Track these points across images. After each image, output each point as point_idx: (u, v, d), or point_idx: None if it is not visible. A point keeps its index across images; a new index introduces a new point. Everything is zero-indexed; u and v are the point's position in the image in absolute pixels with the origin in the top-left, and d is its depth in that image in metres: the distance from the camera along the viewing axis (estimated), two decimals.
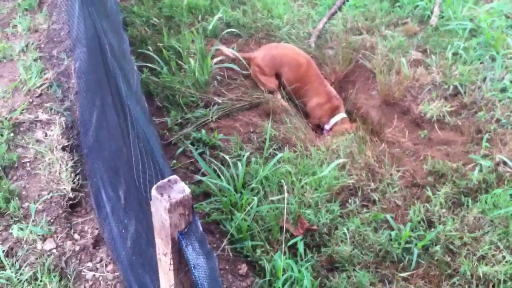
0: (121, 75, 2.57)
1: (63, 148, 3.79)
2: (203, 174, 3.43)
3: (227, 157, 3.40)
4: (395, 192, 3.33)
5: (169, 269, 1.47)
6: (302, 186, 3.23)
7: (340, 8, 5.32)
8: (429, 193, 3.28)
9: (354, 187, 3.35)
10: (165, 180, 1.40)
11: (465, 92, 4.10)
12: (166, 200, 1.36)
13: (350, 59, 4.59)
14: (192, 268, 1.35)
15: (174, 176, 1.41)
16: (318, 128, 4.36)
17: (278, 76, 4.40)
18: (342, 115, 4.25)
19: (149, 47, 4.47)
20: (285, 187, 3.00)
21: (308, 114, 4.34)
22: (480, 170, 3.42)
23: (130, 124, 2.28)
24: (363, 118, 4.20)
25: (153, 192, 1.38)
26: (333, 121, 4.23)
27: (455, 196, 3.29)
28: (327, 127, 4.25)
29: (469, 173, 3.42)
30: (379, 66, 4.34)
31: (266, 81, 4.33)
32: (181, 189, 1.38)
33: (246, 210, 3.05)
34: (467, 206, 3.22)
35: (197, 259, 1.37)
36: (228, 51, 4.53)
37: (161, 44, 4.39)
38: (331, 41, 4.85)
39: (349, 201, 3.26)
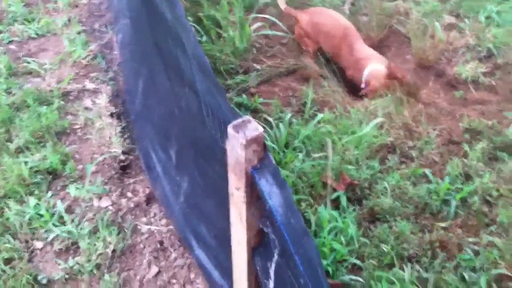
0: (176, 39, 2.73)
1: (111, 115, 3.99)
2: None
3: (270, 118, 3.56)
4: (432, 149, 3.45)
5: (243, 202, 1.63)
6: (343, 145, 3.37)
7: None
8: (467, 148, 3.39)
9: (392, 145, 3.48)
10: (240, 119, 1.55)
11: (499, 54, 4.19)
12: (242, 137, 1.50)
13: (384, 25, 4.68)
14: (267, 197, 1.51)
15: (248, 117, 1.56)
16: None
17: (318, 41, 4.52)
18: (371, 66, 4.18)
19: (189, 18, 4.61)
20: (329, 143, 3.14)
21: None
22: None
23: (190, 83, 2.44)
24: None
25: (230, 130, 1.53)
26: (365, 73, 4.18)
27: (491, 151, 3.40)
28: (363, 85, 4.22)
29: (504, 130, 3.53)
30: (413, 31, 4.43)
31: (308, 43, 4.47)
32: (255, 128, 1.53)
33: (290, 168, 3.21)
34: (503, 160, 3.34)
35: (271, 189, 1.52)
36: (282, 2, 4.66)
37: (201, 14, 4.53)
38: (365, 7, 4.94)
39: (388, 158, 3.40)
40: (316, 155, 3.28)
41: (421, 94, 3.92)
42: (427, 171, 3.27)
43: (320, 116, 3.56)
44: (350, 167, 3.23)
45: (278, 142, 3.43)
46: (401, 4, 4.86)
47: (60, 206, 3.25)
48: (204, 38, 4.38)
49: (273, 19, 4.60)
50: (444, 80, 4.14)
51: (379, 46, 4.63)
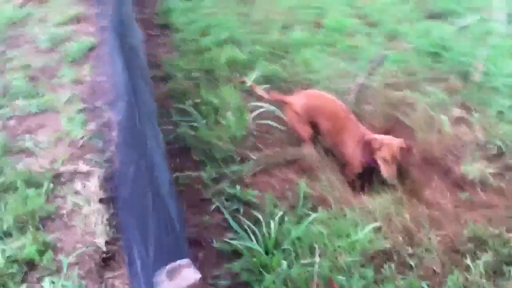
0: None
1: (100, 200, 3.83)
2: (237, 232, 3.40)
3: (260, 216, 3.36)
4: (433, 257, 3.20)
5: None
6: (335, 249, 3.15)
7: (380, 64, 5.29)
8: (469, 262, 3.14)
9: (390, 251, 3.24)
10: (176, 263, 1.37)
11: (509, 153, 3.97)
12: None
13: (389, 116, 4.53)
14: None
15: (186, 260, 1.38)
16: (360, 179, 4.22)
17: (314, 125, 4.36)
18: (381, 136, 4.06)
19: (190, 101, 4.53)
20: (317, 251, 2.93)
21: (348, 164, 4.22)
22: None
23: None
24: (402, 177, 4.11)
25: (161, 277, 1.35)
26: (377, 137, 4.01)
27: (496, 264, 3.14)
28: (375, 145, 3.95)
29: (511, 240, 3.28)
30: (419, 124, 4.27)
31: (301, 129, 4.32)
32: (191, 276, 1.34)
33: (276, 273, 2.99)
34: (509, 275, 3.07)
35: None
36: (261, 91, 4.55)
37: (198, 100, 4.44)
38: (371, 96, 4.81)
39: (384, 266, 3.15)
40: (304, 261, 3.05)
41: (425, 194, 3.71)
42: (424, 283, 3.01)
43: (313, 216, 3.35)
44: (340, 276, 2.99)
45: (266, 242, 3.22)
46: (408, 94, 4.72)
47: None
48: (202, 124, 4.26)
49: (272, 107, 4.48)
50: (450, 178, 3.92)
51: None
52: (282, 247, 3.18)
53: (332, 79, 5.07)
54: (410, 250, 3.25)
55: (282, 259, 3.10)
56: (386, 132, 4.44)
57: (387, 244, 3.24)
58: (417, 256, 3.23)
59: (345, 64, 5.42)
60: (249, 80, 4.77)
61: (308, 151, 4.15)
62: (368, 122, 4.53)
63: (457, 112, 4.44)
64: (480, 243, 3.31)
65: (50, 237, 3.50)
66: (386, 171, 3.85)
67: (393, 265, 3.16)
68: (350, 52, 5.73)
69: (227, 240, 3.28)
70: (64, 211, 3.76)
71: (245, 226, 3.31)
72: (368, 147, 3.93)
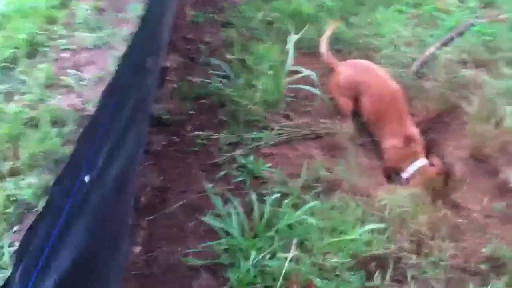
0: None
1: None
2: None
3: (253, 195, 3.11)
4: (437, 273, 2.80)
5: None
6: (324, 246, 2.85)
7: (461, 34, 4.66)
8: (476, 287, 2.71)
9: (388, 257, 2.88)
10: None
11: None
12: None
13: (448, 97, 3.98)
14: None
15: None
16: (393, 172, 3.86)
17: (356, 99, 3.97)
18: (422, 161, 3.72)
19: (230, 55, 4.28)
20: (293, 244, 2.65)
21: (383, 156, 3.86)
22: None
23: None
24: (447, 169, 3.66)
25: None
26: (411, 169, 3.73)
27: None
28: (404, 175, 3.76)
29: None
30: (476, 111, 3.72)
31: (342, 102, 3.95)
32: None
33: (252, 261, 2.76)
34: None
35: None
36: (324, 47, 4.20)
37: (238, 56, 4.17)
38: (434, 72, 4.25)
39: (377, 273, 2.81)
40: (285, 254, 2.78)
41: (454, 196, 3.25)
42: None
43: (311, 204, 3.04)
44: (320, 279, 2.70)
45: (256, 225, 2.99)
46: (478, 74, 4.10)
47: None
48: (235, 81, 4.01)
49: (313, 73, 4.10)
50: (493, 182, 3.40)
51: (436, 121, 3.96)
52: (268, 234, 2.93)
53: (398, 47, 4.55)
54: (413, 259, 2.87)
55: (267, 247, 2.86)
56: (439, 117, 3.95)
57: (386, 250, 2.87)
58: (419, 267, 2.84)
59: (421, 30, 4.83)
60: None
61: (343, 127, 3.77)
62: (423, 101, 4.03)
63: None
64: (497, 265, 2.85)
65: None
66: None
67: (388, 274, 2.81)
68: (434, 16, 5.10)
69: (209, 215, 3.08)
70: None
71: (235, 203, 3.08)
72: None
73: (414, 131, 3.77)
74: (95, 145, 2.20)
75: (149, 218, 3.13)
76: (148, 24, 3.40)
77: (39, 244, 1.60)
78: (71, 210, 1.81)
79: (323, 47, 4.19)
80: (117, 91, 2.61)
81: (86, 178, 2.00)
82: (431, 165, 3.68)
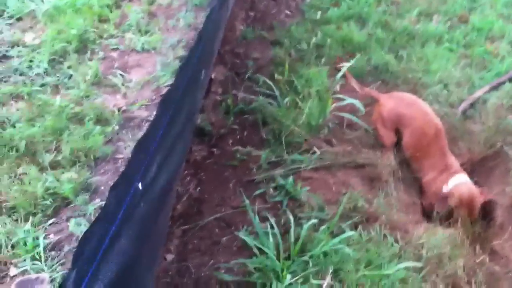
0: None
1: None
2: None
3: (291, 217, 3.08)
4: None
5: None
6: (359, 278, 2.80)
7: (510, 79, 4.60)
8: None
9: None
10: (32, 276, 1.20)
11: None
12: None
13: (494, 142, 3.92)
14: None
15: (44, 275, 1.20)
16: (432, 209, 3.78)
17: (398, 132, 3.94)
18: (463, 177, 3.63)
19: (278, 75, 4.28)
20: (329, 276, 2.61)
21: (422, 192, 3.81)
22: None
23: None
24: (489, 213, 3.59)
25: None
26: (451, 182, 3.60)
27: None
28: (445, 189, 3.62)
29: None
30: None
31: (384, 134, 3.92)
32: None
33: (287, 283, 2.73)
34: None
35: None
36: (355, 82, 4.17)
37: (285, 76, 4.17)
38: (482, 115, 4.20)
39: None
40: (319, 281, 2.75)
41: (495, 244, 3.18)
42: None
43: (349, 233, 3.01)
44: None
45: (292, 247, 2.95)
46: None
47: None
48: (280, 101, 4.01)
49: (358, 102, 4.08)
50: None
51: (480, 165, 3.90)
52: (302, 258, 2.90)
53: (446, 85, 4.51)
54: None
55: (300, 271, 2.83)
56: (484, 161, 3.88)
57: None
58: None
59: (471, 71, 4.79)
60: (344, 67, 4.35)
61: (384, 159, 3.73)
62: (468, 143, 3.97)
63: None
64: None
65: (95, 179, 3.51)
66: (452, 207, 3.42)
67: None
68: (484, 59, 5.05)
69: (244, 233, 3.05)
70: (121, 156, 3.76)
71: (272, 223, 3.05)
72: (443, 201, 3.49)
73: (455, 163, 3.70)
74: (149, 154, 2.22)
75: (183, 227, 3.13)
76: (206, 36, 3.43)
77: (92, 249, 1.60)
78: (123, 217, 1.81)
79: (354, 83, 4.19)
80: (171, 104, 2.62)
81: (140, 186, 2.01)
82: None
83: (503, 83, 4.54)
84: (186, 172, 3.57)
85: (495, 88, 4.48)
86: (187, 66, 2.82)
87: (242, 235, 3.04)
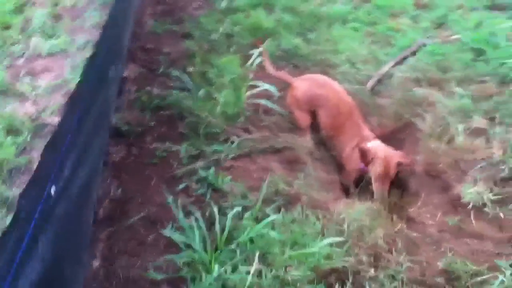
0: None
1: None
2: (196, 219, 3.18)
3: (215, 208, 3.11)
4: (394, 286, 2.87)
5: None
6: (285, 260, 2.88)
7: (414, 53, 4.82)
8: None
9: (347, 270, 2.93)
10: None
11: None
12: None
13: (403, 115, 4.11)
14: None
15: None
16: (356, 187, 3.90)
17: (313, 113, 4.04)
18: (377, 143, 3.71)
19: (190, 67, 4.28)
20: (255, 261, 2.67)
21: (341, 169, 3.93)
22: (502, 282, 2.87)
23: None
24: (402, 183, 3.77)
25: None
26: (370, 144, 3.65)
27: None
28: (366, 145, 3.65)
29: (490, 282, 2.89)
30: (430, 129, 3.84)
31: (300, 116, 4.01)
32: None
33: (214, 276, 2.76)
34: None
35: None
36: (269, 65, 4.23)
37: (198, 67, 4.17)
38: (390, 90, 4.38)
39: (336, 286, 2.86)
40: (246, 267, 2.80)
41: (410, 211, 3.34)
42: None
43: (272, 217, 3.07)
44: None
45: (216, 239, 2.99)
46: (432, 93, 4.25)
47: None
48: (195, 93, 4.02)
49: (273, 87, 4.15)
50: (446, 197, 3.52)
51: (391, 138, 4.07)
52: (229, 247, 2.94)
53: (354, 64, 4.67)
54: (371, 272, 2.94)
55: (229, 260, 2.87)
56: (394, 133, 4.06)
57: (345, 263, 2.92)
58: (377, 280, 2.90)
59: (376, 48, 4.98)
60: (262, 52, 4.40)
61: (302, 141, 3.83)
62: (379, 118, 4.14)
63: (478, 122, 3.95)
64: (453, 279, 2.94)
65: (11, 192, 3.40)
66: (376, 188, 3.53)
67: (347, 287, 2.86)
68: (388, 35, 5.26)
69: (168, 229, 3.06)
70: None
71: (197, 216, 3.07)
72: (363, 155, 3.57)
73: (370, 133, 3.82)
74: (60, 157, 2.18)
75: (108, 230, 3.09)
76: (111, 32, 3.38)
77: (8, 258, 1.57)
78: (38, 223, 1.78)
79: (268, 65, 4.25)
80: (80, 102, 2.58)
81: (52, 190, 1.97)
82: None
83: (407, 57, 4.75)
84: (106, 174, 3.51)
85: (400, 63, 4.68)
86: (93, 65, 2.77)
87: (167, 233, 3.04)
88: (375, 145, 3.64)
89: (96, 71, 2.80)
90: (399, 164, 3.54)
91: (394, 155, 3.55)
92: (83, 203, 2.64)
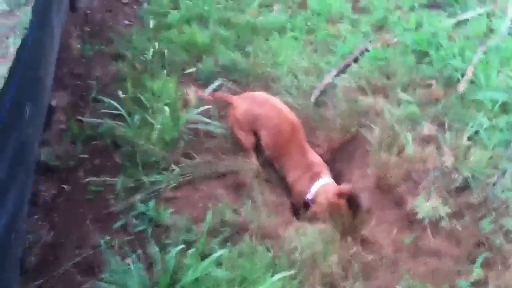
0: None
1: None
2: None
3: (155, 247, 2.86)
4: None
5: None
6: None
7: (356, 60, 4.68)
8: None
9: None
10: None
11: (475, 187, 3.35)
12: None
13: (351, 126, 3.95)
14: None
15: None
16: (305, 208, 3.74)
17: (256, 134, 3.86)
18: (325, 180, 3.65)
19: (123, 91, 4.00)
20: None
21: (289, 190, 3.76)
22: None
23: None
24: (353, 201, 3.62)
25: None
26: (313, 188, 3.63)
27: None
28: (309, 196, 3.66)
29: None
30: (379, 140, 3.70)
31: (242, 137, 3.82)
32: None
33: None
34: None
35: None
36: (201, 92, 4.04)
37: (123, 95, 3.89)
38: (334, 100, 4.22)
39: None
40: None
41: (364, 231, 3.18)
42: None
43: (218, 253, 2.84)
44: None
45: (160, 281, 2.73)
46: (378, 100, 4.10)
47: None
48: (129, 120, 3.75)
49: (213, 107, 3.94)
50: (400, 212, 3.37)
51: (341, 151, 3.92)
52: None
53: (296, 76, 4.49)
54: None
55: None
56: (343, 147, 3.91)
57: None
58: None
59: (317, 57, 4.82)
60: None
61: (247, 163, 3.62)
62: (326, 131, 3.97)
63: (427, 129, 3.82)
64: None
65: None
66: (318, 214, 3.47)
67: None
68: (328, 42, 5.10)
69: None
70: None
71: (135, 258, 2.81)
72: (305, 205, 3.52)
73: (316, 159, 3.70)
74: None
75: (38, 282, 2.79)
76: (27, 61, 3.06)
77: None
78: None
79: (200, 93, 4.11)
80: None
81: None
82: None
83: (349, 65, 4.61)
84: (37, 217, 3.21)
85: (342, 71, 4.53)
86: (3, 98, 2.45)
87: (101, 284, 2.76)
88: (318, 189, 3.62)
89: (6, 107, 2.48)
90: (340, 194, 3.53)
91: (339, 197, 3.54)
92: (4, 253, 2.34)
